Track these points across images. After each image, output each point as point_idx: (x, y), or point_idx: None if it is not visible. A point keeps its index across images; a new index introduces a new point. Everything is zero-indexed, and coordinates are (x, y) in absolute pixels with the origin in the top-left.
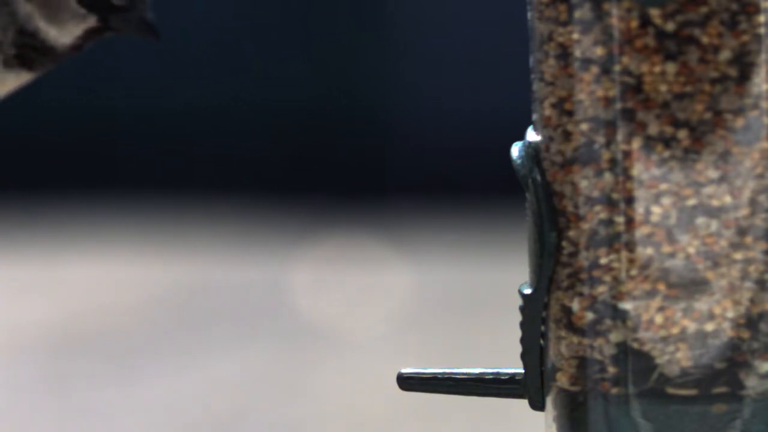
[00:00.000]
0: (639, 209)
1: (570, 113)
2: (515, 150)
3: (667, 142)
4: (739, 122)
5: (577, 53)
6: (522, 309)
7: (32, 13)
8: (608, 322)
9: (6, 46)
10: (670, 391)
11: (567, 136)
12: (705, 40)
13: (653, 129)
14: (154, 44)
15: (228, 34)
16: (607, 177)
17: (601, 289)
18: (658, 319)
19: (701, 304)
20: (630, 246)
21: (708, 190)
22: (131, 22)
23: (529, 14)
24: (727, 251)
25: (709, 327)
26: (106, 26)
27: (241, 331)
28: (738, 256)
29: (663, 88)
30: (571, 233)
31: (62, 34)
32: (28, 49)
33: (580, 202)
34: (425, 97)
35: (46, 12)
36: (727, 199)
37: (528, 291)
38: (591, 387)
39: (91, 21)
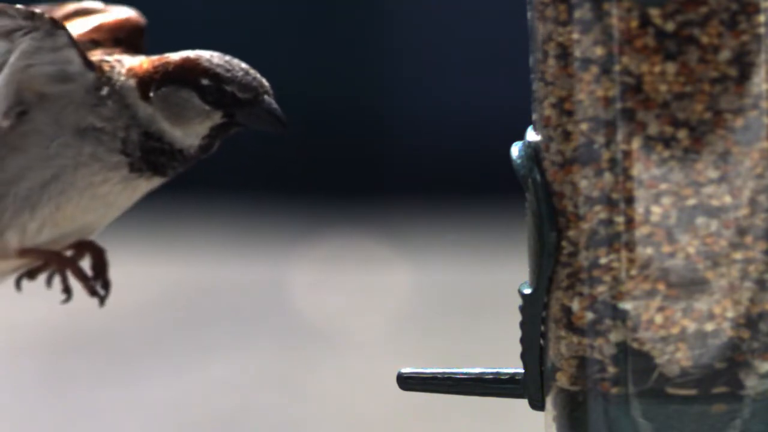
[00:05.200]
0: (639, 209)
1: (570, 113)
2: (515, 150)
3: (667, 142)
4: (739, 122)
5: (577, 53)
6: (522, 309)
7: (154, 114)
8: (608, 322)
9: (130, 145)
10: (670, 390)
11: (567, 136)
12: (705, 40)
13: (653, 129)
14: (281, 134)
15: (226, 35)
16: (607, 177)
17: (601, 289)
18: (658, 319)
19: (701, 304)
20: (630, 246)
21: (708, 190)
22: (258, 115)
23: (529, 14)
24: (726, 251)
25: (709, 327)
26: (232, 121)
27: (241, 331)
28: (738, 256)
29: (663, 87)
30: (571, 233)
31: (187, 135)
32: (157, 154)
33: (580, 202)
34: (424, 97)
35: (168, 113)
36: (727, 199)
37: (528, 291)
38: (591, 387)
39: (216, 117)
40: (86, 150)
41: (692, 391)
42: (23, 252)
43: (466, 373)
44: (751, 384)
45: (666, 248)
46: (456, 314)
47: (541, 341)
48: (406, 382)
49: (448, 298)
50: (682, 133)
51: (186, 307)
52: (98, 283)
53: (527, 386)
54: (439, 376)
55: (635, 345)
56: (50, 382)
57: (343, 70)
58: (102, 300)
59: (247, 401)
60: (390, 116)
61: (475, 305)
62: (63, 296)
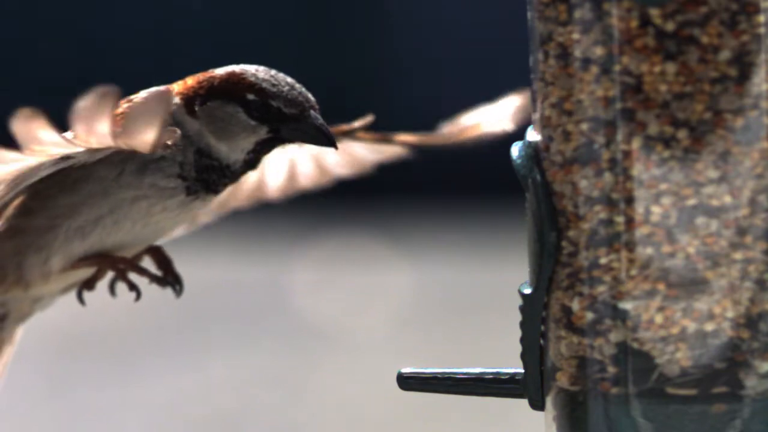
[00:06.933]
0: (639, 209)
1: (570, 113)
2: (515, 150)
3: (667, 142)
4: (739, 122)
5: (577, 53)
6: (522, 309)
7: (201, 129)
8: (608, 321)
9: (187, 166)
10: (670, 390)
11: (567, 136)
12: (705, 40)
13: (653, 129)
14: (328, 150)
15: (225, 36)
16: (607, 177)
17: (601, 289)
18: (658, 318)
19: (701, 304)
20: (630, 246)
21: (708, 190)
22: (304, 130)
23: (529, 14)
24: (726, 251)
25: (709, 327)
26: (277, 137)
27: (241, 330)
28: (738, 256)
29: (663, 87)
30: (571, 233)
31: (232, 150)
32: (209, 171)
33: (580, 202)
34: (424, 97)
35: (213, 127)
36: (727, 199)
37: (528, 291)
38: (591, 387)
39: (262, 132)
40: (146, 181)
41: (692, 391)
42: (74, 265)
43: (466, 373)
44: (751, 384)
45: (666, 248)
46: (456, 314)
47: (541, 341)
48: (406, 382)
49: (448, 298)
50: (682, 133)
51: (186, 307)
52: (168, 278)
53: (527, 386)
54: (439, 376)
55: (635, 345)
56: (51, 382)
57: (342, 70)
58: (178, 293)
59: (247, 401)
60: (389, 116)
61: (475, 305)
62: (133, 295)
